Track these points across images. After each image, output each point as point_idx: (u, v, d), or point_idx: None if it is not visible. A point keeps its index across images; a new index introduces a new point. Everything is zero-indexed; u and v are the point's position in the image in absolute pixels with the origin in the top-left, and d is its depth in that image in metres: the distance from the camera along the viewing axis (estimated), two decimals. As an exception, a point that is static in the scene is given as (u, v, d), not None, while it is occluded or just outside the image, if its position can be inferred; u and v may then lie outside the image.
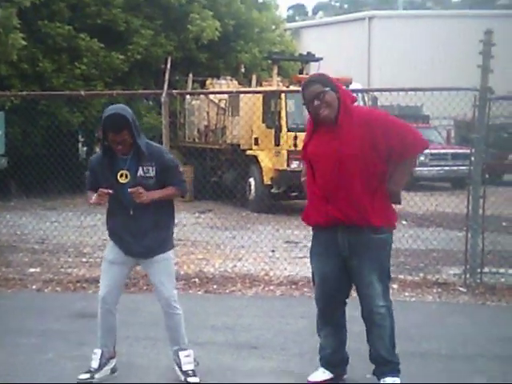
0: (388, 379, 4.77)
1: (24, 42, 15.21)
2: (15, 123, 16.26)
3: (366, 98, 15.63)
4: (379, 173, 4.62)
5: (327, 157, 4.58)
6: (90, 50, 17.91)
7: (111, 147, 4.91)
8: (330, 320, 4.92)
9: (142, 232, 4.99)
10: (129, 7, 18.93)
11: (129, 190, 4.84)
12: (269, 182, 15.55)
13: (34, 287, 8.27)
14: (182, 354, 5.17)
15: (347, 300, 4.98)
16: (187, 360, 5.17)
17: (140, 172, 4.94)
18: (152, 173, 4.95)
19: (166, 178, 5.00)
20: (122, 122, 4.79)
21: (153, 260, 5.09)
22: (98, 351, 5.19)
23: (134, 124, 4.84)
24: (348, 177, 4.56)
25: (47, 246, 10.90)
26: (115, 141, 4.83)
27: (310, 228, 4.96)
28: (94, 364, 5.16)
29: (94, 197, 4.91)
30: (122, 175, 4.94)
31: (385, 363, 4.79)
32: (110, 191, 4.84)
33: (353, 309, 5.02)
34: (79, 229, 11.62)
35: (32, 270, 9.14)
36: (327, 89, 4.56)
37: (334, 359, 4.99)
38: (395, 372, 4.80)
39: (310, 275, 8.17)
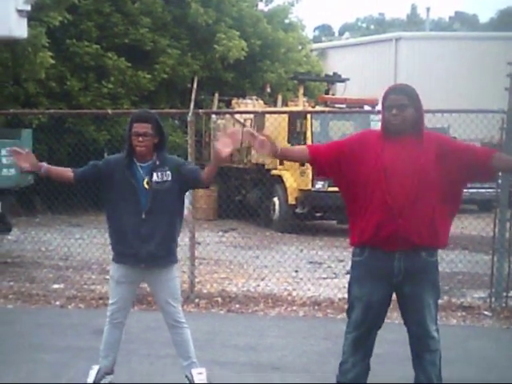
0: None
1: (52, 61, 15.39)
2: (42, 141, 16.38)
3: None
4: (449, 192, 4.54)
5: (407, 167, 4.45)
6: (117, 68, 18.04)
7: (133, 150, 5.01)
8: (364, 346, 4.63)
9: (151, 235, 4.98)
10: (156, 27, 19.08)
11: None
12: (293, 202, 15.52)
13: (57, 303, 8.31)
14: (194, 371, 5.15)
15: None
16: (200, 377, 5.14)
17: (155, 178, 5.01)
18: (167, 177, 5.02)
19: (183, 173, 5.05)
20: (147, 116, 5.12)
21: (158, 279, 5.10)
22: (96, 367, 5.23)
23: (158, 126, 5.09)
24: (426, 191, 4.43)
25: (71, 263, 10.96)
26: (137, 132, 4.97)
27: (348, 247, 4.78)
28: (89, 379, 5.17)
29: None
30: (147, 181, 5.03)
31: None
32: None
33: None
34: (103, 246, 11.60)
35: (56, 286, 9.18)
36: (410, 105, 4.51)
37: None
38: None
39: (334, 297, 8.02)
